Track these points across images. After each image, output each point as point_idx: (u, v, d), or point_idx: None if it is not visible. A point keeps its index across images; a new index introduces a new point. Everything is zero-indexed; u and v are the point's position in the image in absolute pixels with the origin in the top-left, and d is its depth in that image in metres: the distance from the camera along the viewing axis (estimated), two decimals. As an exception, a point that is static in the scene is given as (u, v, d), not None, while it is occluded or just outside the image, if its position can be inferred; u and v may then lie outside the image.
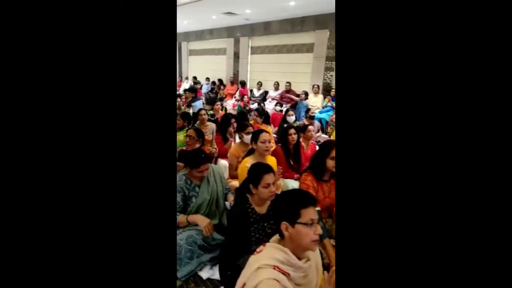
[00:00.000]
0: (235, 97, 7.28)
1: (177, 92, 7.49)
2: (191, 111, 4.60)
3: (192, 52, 9.86)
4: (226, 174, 2.33)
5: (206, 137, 2.68)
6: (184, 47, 9.87)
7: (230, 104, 6.85)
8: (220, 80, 7.98)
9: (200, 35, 9.01)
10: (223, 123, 2.97)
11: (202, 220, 1.56)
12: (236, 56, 7.88)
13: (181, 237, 1.49)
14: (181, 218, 1.59)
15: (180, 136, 2.89)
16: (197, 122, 3.34)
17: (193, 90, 5.14)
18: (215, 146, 3.08)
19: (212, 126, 3.29)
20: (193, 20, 7.38)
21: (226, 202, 1.85)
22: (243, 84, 7.15)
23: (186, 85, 8.84)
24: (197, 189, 1.71)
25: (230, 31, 7.89)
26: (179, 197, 1.63)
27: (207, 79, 8.29)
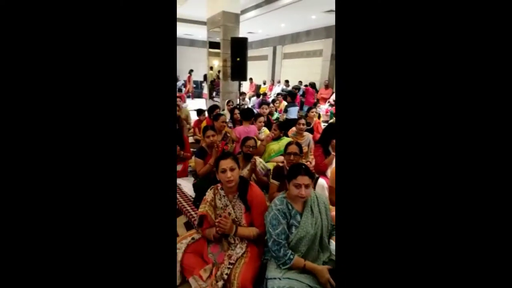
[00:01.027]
0: (329, 102, 6.73)
1: (270, 98, 7.45)
2: (284, 116, 4.37)
3: (286, 56, 9.78)
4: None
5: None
6: (279, 50, 9.90)
7: (323, 110, 6.35)
8: (312, 84, 7.55)
9: (296, 37, 8.80)
10: (327, 134, 2.51)
11: (323, 274, 1.23)
12: (333, 57, 7.29)
13: (280, 285, 1.19)
14: (297, 261, 1.28)
15: (275, 146, 2.65)
16: (292, 130, 3.04)
17: (292, 95, 4.85)
18: (312, 159, 2.71)
19: (308, 136, 2.93)
20: (291, 22, 7.21)
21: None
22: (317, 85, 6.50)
23: (277, 89, 8.80)
24: (298, 217, 1.37)
25: (328, 31, 7.37)
26: (284, 224, 1.33)
27: (300, 82, 7.99)
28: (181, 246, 1.40)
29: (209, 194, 1.49)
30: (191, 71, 8.58)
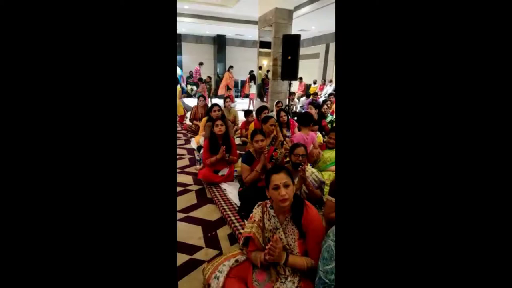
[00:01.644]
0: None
1: (320, 98, 7.02)
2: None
3: (339, 53, 9.16)
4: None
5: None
6: (332, 48, 9.32)
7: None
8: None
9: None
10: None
11: None
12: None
13: None
14: None
15: (331, 154, 2.34)
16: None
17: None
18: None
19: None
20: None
21: None
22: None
23: (329, 89, 8.29)
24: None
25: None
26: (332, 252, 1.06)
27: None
28: (223, 269, 1.23)
29: (256, 212, 1.28)
30: (251, 71, 8.48)
